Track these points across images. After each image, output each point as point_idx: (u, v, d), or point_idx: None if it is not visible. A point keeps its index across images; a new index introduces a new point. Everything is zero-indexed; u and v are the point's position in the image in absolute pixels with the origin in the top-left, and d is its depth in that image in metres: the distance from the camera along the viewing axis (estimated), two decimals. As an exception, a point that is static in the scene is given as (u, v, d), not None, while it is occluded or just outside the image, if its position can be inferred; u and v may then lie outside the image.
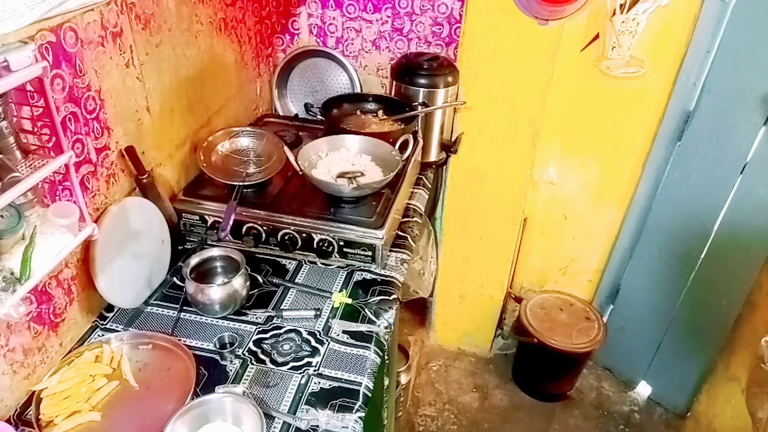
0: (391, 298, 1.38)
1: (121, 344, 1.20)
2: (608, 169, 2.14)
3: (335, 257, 1.47)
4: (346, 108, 1.89)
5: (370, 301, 1.37)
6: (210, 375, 1.16)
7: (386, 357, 1.34)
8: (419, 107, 1.82)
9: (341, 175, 1.53)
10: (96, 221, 1.15)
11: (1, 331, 1.02)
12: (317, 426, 1.07)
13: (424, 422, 2.28)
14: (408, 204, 1.71)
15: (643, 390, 2.40)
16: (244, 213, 1.46)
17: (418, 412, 2.31)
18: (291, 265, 1.47)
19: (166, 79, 1.41)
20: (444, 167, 2.13)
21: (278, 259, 1.49)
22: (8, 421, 1.06)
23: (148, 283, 1.35)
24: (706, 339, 2.07)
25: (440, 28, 1.95)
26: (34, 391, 1.08)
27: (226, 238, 1.45)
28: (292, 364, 1.20)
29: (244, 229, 1.47)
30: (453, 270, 2.39)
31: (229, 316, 1.30)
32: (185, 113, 1.53)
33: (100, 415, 1.07)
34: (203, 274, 1.33)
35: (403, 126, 1.77)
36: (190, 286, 1.26)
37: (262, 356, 1.22)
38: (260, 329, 1.28)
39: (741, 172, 1.84)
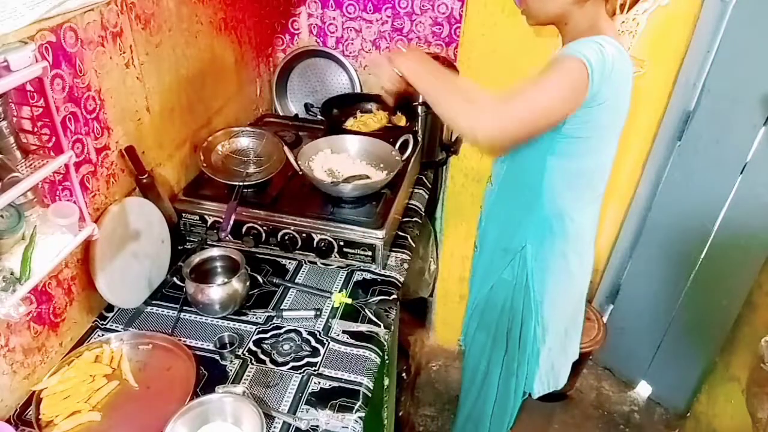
0: (391, 298, 1.38)
1: (121, 344, 1.20)
2: (608, 168, 2.13)
3: (335, 257, 1.47)
4: (346, 108, 1.89)
5: (370, 301, 1.37)
6: (210, 375, 1.16)
7: (386, 357, 1.34)
8: (419, 107, 1.82)
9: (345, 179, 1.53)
10: (96, 221, 1.15)
11: (1, 331, 1.02)
12: (317, 426, 1.07)
13: (424, 422, 2.28)
14: (408, 204, 1.71)
15: (643, 390, 2.39)
16: (244, 213, 1.46)
17: (418, 412, 2.30)
18: (291, 265, 1.47)
19: (166, 79, 1.41)
20: (444, 167, 2.13)
21: (278, 259, 1.49)
22: (8, 421, 1.06)
23: (148, 283, 1.35)
24: (706, 339, 2.07)
25: (440, 28, 1.94)
26: (34, 391, 1.08)
27: (226, 238, 1.45)
28: (292, 364, 1.20)
29: (244, 229, 1.47)
30: (453, 270, 2.38)
31: (229, 316, 1.31)
32: (185, 113, 1.53)
33: (100, 415, 1.07)
34: (203, 274, 1.33)
35: (403, 126, 1.77)
36: (190, 286, 1.26)
37: (262, 356, 1.22)
38: (260, 329, 1.28)
39: (741, 173, 1.83)
